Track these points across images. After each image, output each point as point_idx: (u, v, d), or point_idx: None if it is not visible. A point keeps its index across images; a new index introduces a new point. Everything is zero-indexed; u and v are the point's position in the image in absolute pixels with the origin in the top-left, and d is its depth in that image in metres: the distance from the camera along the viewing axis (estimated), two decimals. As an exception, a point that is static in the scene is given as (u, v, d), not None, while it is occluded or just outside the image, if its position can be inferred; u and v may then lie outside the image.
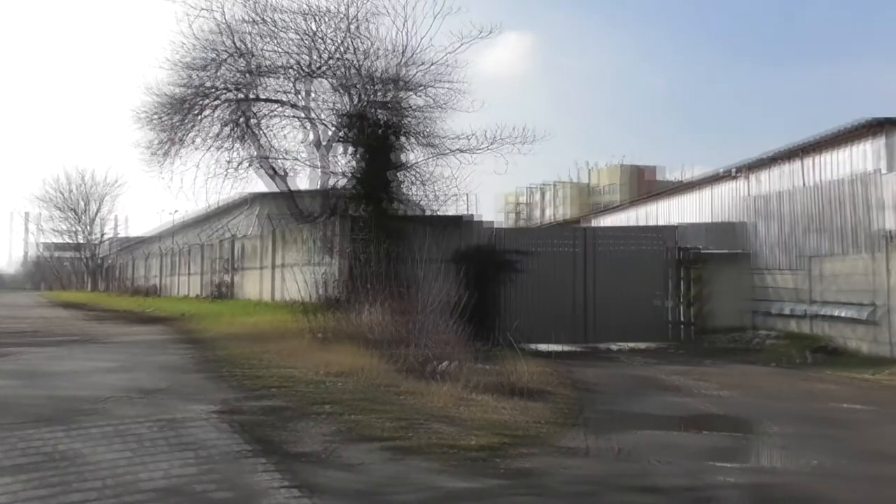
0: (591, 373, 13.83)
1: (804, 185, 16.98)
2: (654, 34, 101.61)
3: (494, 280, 19.25)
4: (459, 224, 19.51)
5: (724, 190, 20.89)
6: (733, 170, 19.90)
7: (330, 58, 18.77)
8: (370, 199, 18.10)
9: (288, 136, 20.59)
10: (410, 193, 19.11)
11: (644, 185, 67.28)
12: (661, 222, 22.72)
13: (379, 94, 18.98)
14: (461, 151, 19.52)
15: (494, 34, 19.03)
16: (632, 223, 26.31)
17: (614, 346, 19.21)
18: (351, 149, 19.01)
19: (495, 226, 20.40)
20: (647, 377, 13.34)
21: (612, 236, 20.85)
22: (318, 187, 21.00)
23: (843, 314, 15.22)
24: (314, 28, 18.67)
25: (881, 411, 9.22)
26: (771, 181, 18.39)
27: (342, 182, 19.29)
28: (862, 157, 14.93)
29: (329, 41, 18.55)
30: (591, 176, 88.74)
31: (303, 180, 21.53)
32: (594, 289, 19.53)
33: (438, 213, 19.89)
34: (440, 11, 17.68)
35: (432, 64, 18.39)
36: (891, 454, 6.96)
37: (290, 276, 21.19)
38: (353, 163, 18.84)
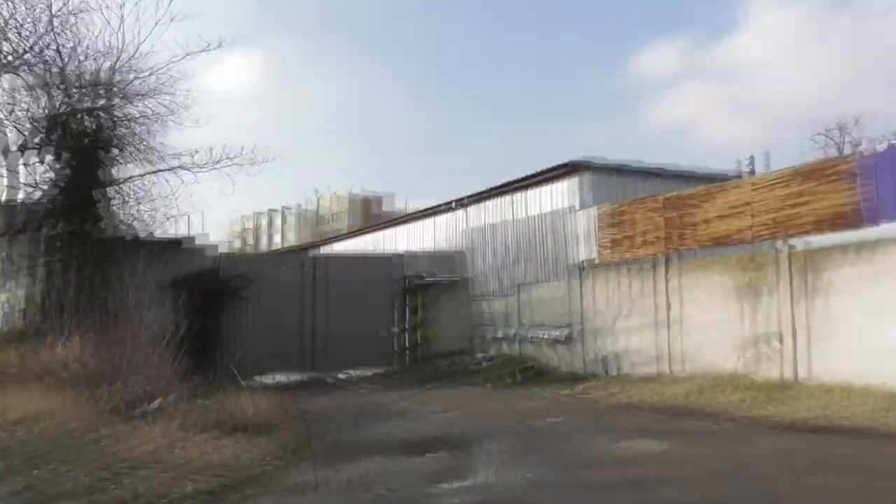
0: (320, 402, 13.54)
1: (514, 218, 18.60)
2: (382, 68, 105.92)
3: (217, 309, 18.09)
4: (179, 248, 18.05)
5: (447, 220, 22.12)
6: (453, 202, 21.18)
7: (25, 52, 16.28)
8: (70, 217, 15.94)
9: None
10: (122, 212, 17.20)
11: (371, 214, 69.18)
12: (388, 250, 23.35)
13: (87, 99, 16.90)
14: (183, 169, 18.09)
15: (224, 48, 18.06)
16: (360, 251, 26.71)
17: (342, 375, 19.12)
18: (49, 158, 16.64)
19: (220, 251, 19.15)
20: (375, 403, 13.40)
21: (340, 264, 20.86)
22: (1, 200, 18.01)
23: (546, 336, 16.83)
24: (5, 14, 16.08)
25: (578, 422, 10.23)
26: (486, 214, 19.89)
27: (37, 195, 16.72)
28: (560, 195, 16.80)
29: (25, 32, 16.08)
30: (321, 204, 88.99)
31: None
32: (323, 317, 19.31)
33: (155, 235, 18.19)
34: (161, 18, 16.31)
35: (152, 72, 16.85)
36: (589, 460, 7.66)
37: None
38: (52, 174, 16.50)
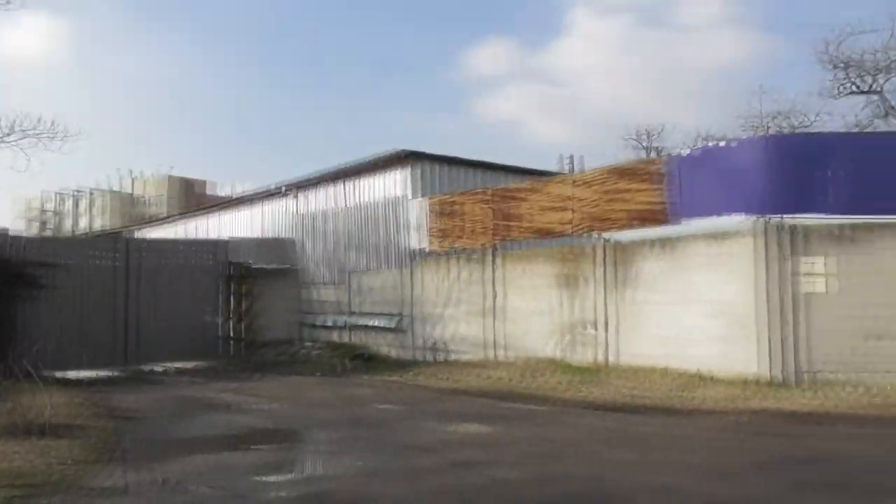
0: (133, 399, 12.57)
1: (346, 206, 18.43)
2: (206, 47, 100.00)
3: (10, 297, 16.25)
4: (-40, 230, 15.99)
5: (276, 207, 21.45)
6: (283, 188, 20.58)
7: None
8: None
9: None
10: None
11: (195, 198, 65.28)
12: (213, 236, 22.21)
13: None
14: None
15: (14, 8, 16.14)
16: (182, 237, 25.21)
17: (160, 368, 17.93)
18: None
19: (11, 234, 17.20)
20: (196, 397, 12.69)
21: (159, 249, 19.49)
22: None
23: (377, 324, 16.87)
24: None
25: (408, 408, 10.34)
26: (318, 201, 19.53)
27: None
28: (393, 184, 16.89)
29: None
30: (136, 186, 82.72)
31: None
32: (138, 306, 17.98)
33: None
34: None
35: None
36: (418, 446, 7.75)
37: None
38: None
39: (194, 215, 27.05)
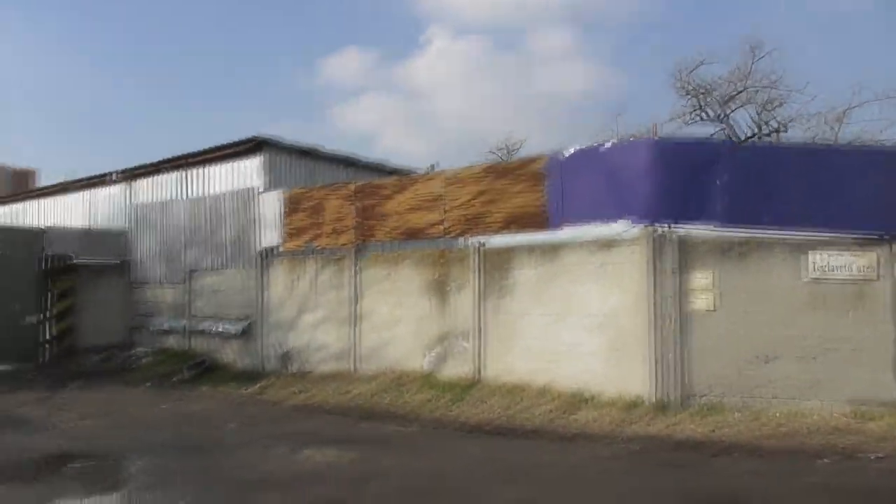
0: None
1: (187, 196, 16.44)
2: (24, 25, 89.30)
3: None
4: None
5: (104, 195, 18.90)
6: (114, 174, 18.14)
7: None
8: None
9: None
10: None
11: (24, 188, 58.51)
12: (30, 223, 19.24)
13: None
14: None
15: None
16: (-4, 224, 21.80)
17: (-51, 374, 15.07)
18: None
19: None
20: (-12, 413, 10.44)
21: (-43, 236, 16.50)
22: None
23: (220, 329, 15.05)
24: None
25: (253, 430, 8.87)
26: (155, 190, 17.34)
27: None
28: (244, 174, 15.15)
29: None
30: None
31: None
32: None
33: None
34: None
35: None
36: (261, 479, 6.40)
37: None
38: None
39: (13, 200, 23.53)
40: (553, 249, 10.05)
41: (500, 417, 8.81)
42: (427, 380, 10.85)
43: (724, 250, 8.70)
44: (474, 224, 11.18)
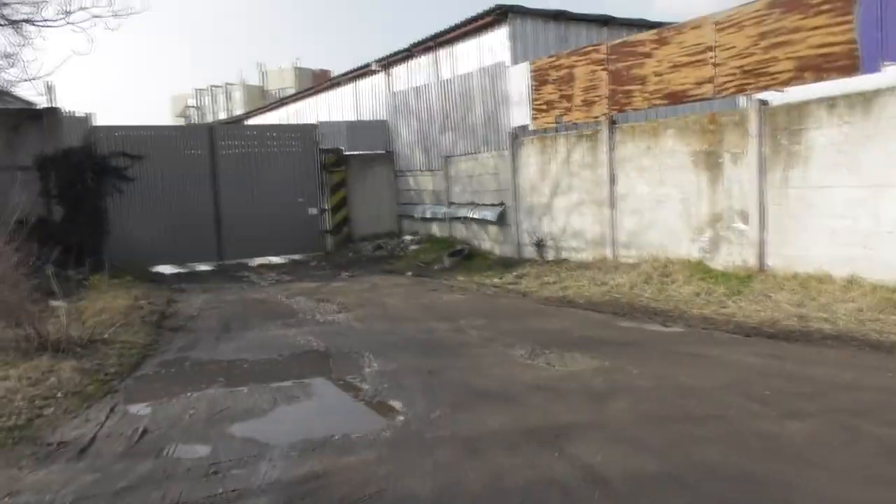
0: (201, 301, 11.34)
1: (438, 79, 15.91)
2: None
3: (98, 191, 15.46)
4: (40, 120, 15.07)
5: (367, 86, 19.26)
6: (373, 64, 18.22)
7: None
8: None
9: None
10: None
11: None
12: (309, 121, 20.55)
13: None
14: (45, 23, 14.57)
15: None
16: (283, 123, 23.85)
17: (253, 262, 16.92)
18: None
19: (98, 123, 16.18)
20: (265, 300, 11.26)
21: (245, 136, 18.07)
22: None
23: (477, 216, 14.69)
24: None
25: (497, 326, 8.24)
26: (410, 76, 17.10)
27: None
28: (489, 49, 14.08)
29: None
30: (270, 78, 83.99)
31: None
32: (231, 198, 16.87)
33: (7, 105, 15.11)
34: None
35: None
36: (494, 392, 5.69)
37: None
38: None
39: (293, 100, 25.49)
40: (866, 101, 7.57)
41: (788, 317, 7.03)
42: (696, 269, 9.25)
43: None
44: (754, 77, 8.93)
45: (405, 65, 17.19)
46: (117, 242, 15.39)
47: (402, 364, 6.67)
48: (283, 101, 27.22)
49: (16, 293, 8.61)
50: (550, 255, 12.62)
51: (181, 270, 16.09)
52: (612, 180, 11.21)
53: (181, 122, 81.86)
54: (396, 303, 10.38)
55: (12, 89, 14.76)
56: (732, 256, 9.10)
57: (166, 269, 15.98)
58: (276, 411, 5.51)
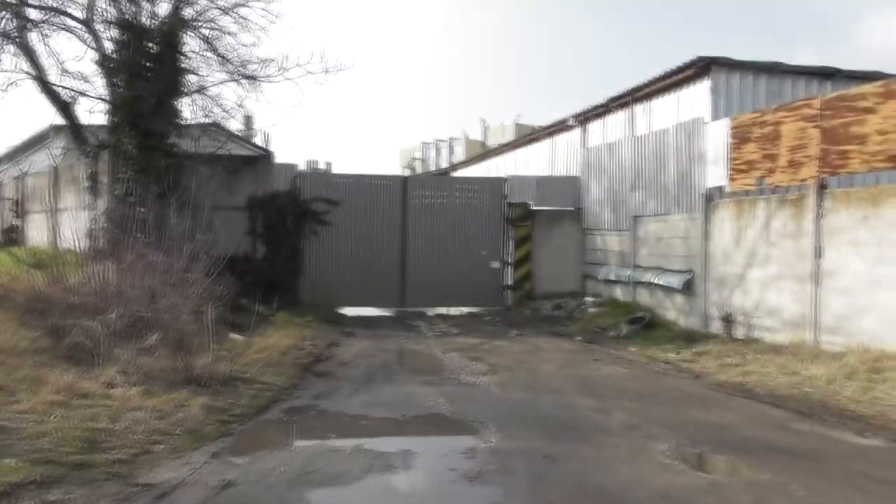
0: (361, 347, 11.42)
1: (632, 135, 15.01)
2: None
3: (295, 233, 16.53)
4: (256, 165, 16.53)
5: (563, 141, 18.84)
6: (570, 119, 17.77)
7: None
8: (134, 129, 14.66)
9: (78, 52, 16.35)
10: (191, 122, 15.66)
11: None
12: (507, 174, 20.57)
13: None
14: (267, 78, 16.03)
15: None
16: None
17: (431, 311, 17.01)
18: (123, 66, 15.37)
19: (300, 169, 17.43)
20: (420, 353, 11.06)
21: (436, 186, 18.47)
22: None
23: (661, 282, 13.44)
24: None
25: (649, 412, 7.16)
26: (605, 131, 16.39)
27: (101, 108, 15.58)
28: (688, 104, 12.99)
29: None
30: (492, 133, 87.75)
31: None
32: (416, 246, 17.20)
33: (231, 152, 16.73)
34: None
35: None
36: (594, 492, 4.79)
37: (65, 222, 17.65)
38: (119, 83, 15.25)
39: (493, 155, 25.85)
40: None
41: None
42: (914, 369, 7.47)
43: None
44: None
45: (601, 120, 16.55)
46: (310, 282, 16.23)
47: (521, 443, 5.96)
48: (484, 156, 27.74)
49: (193, 324, 9.21)
50: (739, 333, 11.08)
51: (363, 313, 16.56)
52: (818, 253, 9.59)
53: (407, 172, 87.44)
54: (550, 370, 9.62)
55: (237, 138, 16.39)
56: (967, 359, 7.22)
57: (350, 311, 16.53)
58: (364, 481, 5.09)
